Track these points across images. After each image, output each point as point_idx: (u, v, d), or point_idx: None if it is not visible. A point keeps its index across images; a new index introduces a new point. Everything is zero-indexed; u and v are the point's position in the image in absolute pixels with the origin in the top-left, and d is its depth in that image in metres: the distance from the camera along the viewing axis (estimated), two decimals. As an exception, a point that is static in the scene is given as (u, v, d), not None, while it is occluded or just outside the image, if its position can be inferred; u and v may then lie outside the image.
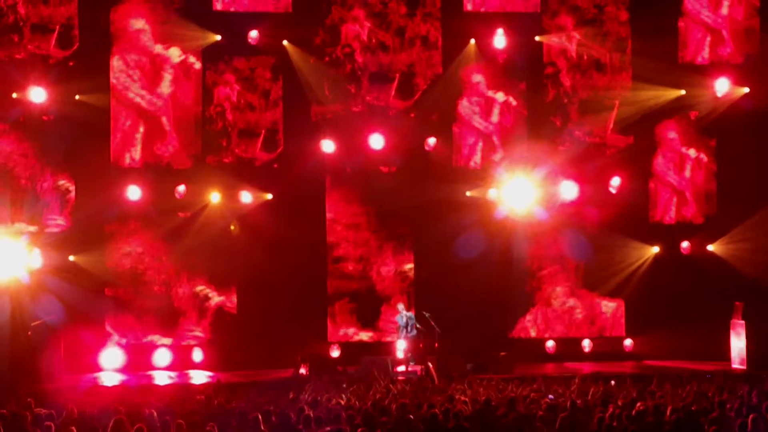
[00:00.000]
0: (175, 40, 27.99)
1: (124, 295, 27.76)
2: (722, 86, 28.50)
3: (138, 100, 27.93)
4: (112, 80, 27.74)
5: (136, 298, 27.80)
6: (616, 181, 28.43)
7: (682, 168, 29.12)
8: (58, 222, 27.45)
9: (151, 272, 27.96)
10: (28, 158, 27.43)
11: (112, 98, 27.77)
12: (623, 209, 28.42)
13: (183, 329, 28.03)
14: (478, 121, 28.77)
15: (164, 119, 28.02)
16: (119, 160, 27.84)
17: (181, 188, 27.62)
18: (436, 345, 25.45)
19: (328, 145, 28.07)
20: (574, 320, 28.96)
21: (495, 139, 28.78)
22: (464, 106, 28.75)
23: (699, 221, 29.11)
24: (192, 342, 27.96)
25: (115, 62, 27.80)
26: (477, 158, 28.82)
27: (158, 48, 28.02)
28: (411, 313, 26.39)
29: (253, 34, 27.94)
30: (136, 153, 27.91)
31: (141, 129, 27.92)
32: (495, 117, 28.79)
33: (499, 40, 28.40)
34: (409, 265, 28.69)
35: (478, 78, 28.76)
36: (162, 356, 27.75)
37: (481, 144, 28.78)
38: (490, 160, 28.69)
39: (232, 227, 28.02)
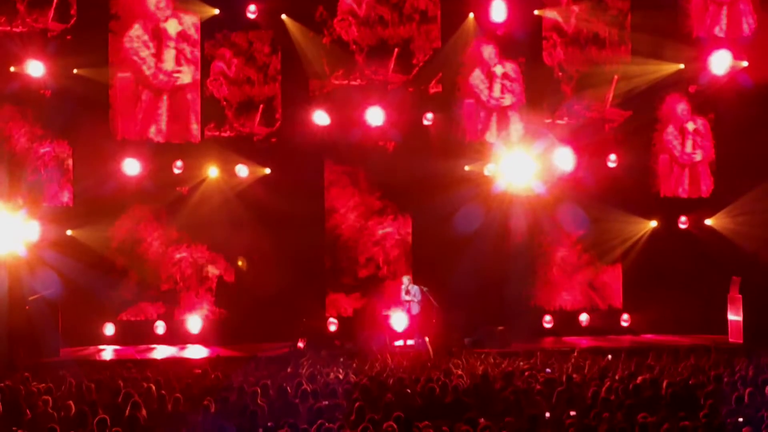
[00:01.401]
0: (173, 13, 27.92)
1: (122, 269, 27.75)
2: (721, 60, 28.43)
3: (144, 71, 27.96)
4: (111, 51, 27.73)
5: (134, 272, 27.79)
6: (614, 156, 28.43)
7: (680, 142, 29.11)
8: (56, 196, 27.43)
9: (149, 246, 27.97)
10: (27, 132, 27.40)
11: (114, 73, 27.76)
12: (621, 183, 28.41)
13: (181, 303, 28.06)
14: (483, 95, 28.73)
15: (163, 94, 28.01)
16: (118, 135, 27.80)
17: (180, 163, 27.62)
18: (434, 320, 25.48)
19: (322, 118, 27.96)
20: (572, 294, 28.98)
21: (497, 113, 28.76)
22: (473, 78, 28.69)
23: (697, 195, 29.11)
24: (190, 316, 27.98)
25: (113, 35, 27.78)
26: (491, 133, 28.76)
27: (156, 22, 27.96)
28: (416, 287, 26.14)
29: (252, 8, 27.90)
30: (138, 128, 27.94)
31: (141, 104, 27.93)
32: (496, 92, 28.75)
33: (498, 14, 28.32)
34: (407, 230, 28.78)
35: (484, 51, 28.71)
36: (160, 330, 27.79)
37: (494, 118, 28.73)
38: (489, 134, 28.66)
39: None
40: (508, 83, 28.72)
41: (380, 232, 28.76)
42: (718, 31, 28.89)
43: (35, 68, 26.95)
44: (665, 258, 28.22)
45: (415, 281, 26.25)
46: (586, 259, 28.91)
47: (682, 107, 29.01)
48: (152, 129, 27.97)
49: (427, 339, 24.96)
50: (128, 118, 27.89)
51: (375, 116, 28.05)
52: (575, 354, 22.36)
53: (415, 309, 25.75)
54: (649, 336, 27.81)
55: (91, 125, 27.29)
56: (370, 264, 28.72)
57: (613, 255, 28.73)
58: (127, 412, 14.93)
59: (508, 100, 28.73)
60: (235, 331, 27.27)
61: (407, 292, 25.89)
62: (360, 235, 28.72)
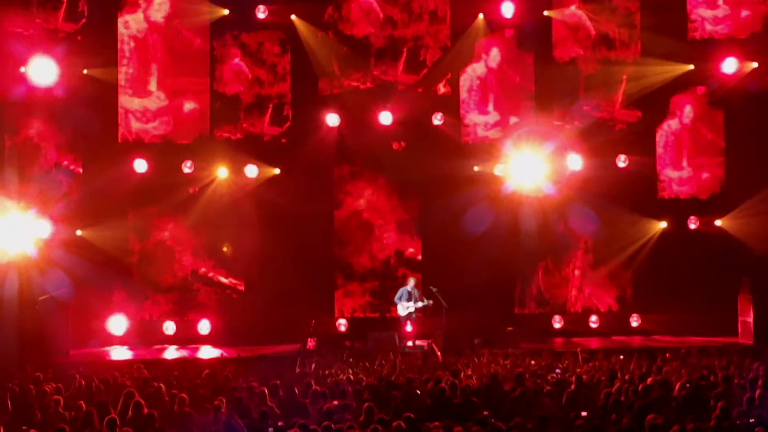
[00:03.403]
0: (183, 14, 27.98)
1: (131, 269, 27.79)
2: (731, 61, 28.39)
3: (153, 71, 28.02)
4: (120, 52, 27.80)
5: (144, 271, 27.81)
6: (623, 157, 28.40)
7: (690, 143, 29.04)
8: (66, 196, 27.46)
9: (159, 246, 28.01)
10: (37, 132, 27.44)
11: (121, 72, 27.84)
12: (631, 184, 28.36)
13: (190, 303, 28.07)
14: (488, 95, 28.72)
15: (171, 93, 28.05)
16: (128, 135, 27.86)
17: (189, 163, 27.65)
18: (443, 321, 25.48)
19: (333, 119, 28.04)
20: (582, 295, 28.94)
21: (502, 113, 28.73)
22: (473, 80, 28.68)
23: (706, 196, 29.02)
24: (200, 316, 27.99)
25: (122, 36, 27.84)
26: (486, 133, 28.72)
27: (166, 21, 28.03)
28: (417, 291, 26.06)
29: (262, 8, 27.94)
30: (147, 128, 27.95)
31: (151, 104, 27.97)
32: (503, 91, 28.75)
33: (508, 14, 28.31)
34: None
35: (489, 53, 28.68)
36: (169, 330, 27.82)
37: (491, 119, 28.71)
38: (499, 135, 28.62)
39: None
40: (514, 84, 28.73)
41: (389, 232, 28.74)
42: (728, 32, 28.77)
43: (46, 69, 26.98)
44: (675, 259, 28.13)
45: (425, 281, 26.21)
46: (596, 259, 28.85)
47: (691, 107, 28.94)
48: (162, 128, 28.00)
49: (432, 343, 24.95)
50: (138, 117, 27.91)
51: (385, 117, 28.08)
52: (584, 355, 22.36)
53: (409, 315, 25.73)
54: (658, 337, 27.73)
55: (100, 124, 27.34)
56: (378, 262, 28.71)
57: (622, 256, 28.65)
58: (131, 411, 14.93)
59: (515, 100, 28.71)
60: (244, 331, 27.25)
61: (409, 298, 25.79)
62: (368, 235, 28.71)
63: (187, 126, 28.15)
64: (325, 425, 14.10)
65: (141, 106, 27.96)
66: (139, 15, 27.92)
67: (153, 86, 28.00)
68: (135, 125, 27.93)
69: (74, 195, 27.51)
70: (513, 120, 28.60)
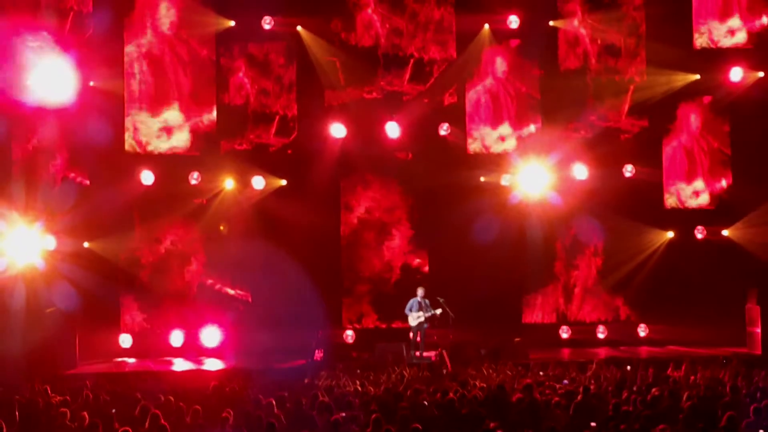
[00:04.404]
0: (189, 25, 28.00)
1: (138, 281, 27.80)
2: (737, 70, 28.38)
3: (150, 85, 28.02)
4: (127, 64, 27.83)
5: (151, 283, 27.82)
6: (630, 167, 28.38)
7: (697, 152, 29.01)
8: (72, 208, 27.45)
9: (166, 258, 28.01)
10: (44, 144, 27.45)
11: (127, 84, 27.86)
12: (637, 193, 28.32)
13: (198, 316, 28.02)
14: (494, 107, 28.73)
15: (177, 105, 28.06)
16: (135, 147, 27.87)
17: (196, 174, 27.67)
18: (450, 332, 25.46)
19: (339, 130, 28.04)
20: (589, 305, 28.91)
21: (510, 123, 28.72)
22: (479, 91, 28.69)
23: (713, 206, 28.97)
24: (207, 328, 27.96)
25: (129, 48, 27.88)
26: (492, 143, 28.73)
27: (172, 33, 28.06)
28: (427, 301, 25.98)
29: (267, 19, 27.97)
30: (154, 142, 27.96)
31: (160, 117, 27.99)
32: (509, 101, 28.74)
33: (513, 25, 28.34)
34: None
35: (495, 64, 28.71)
36: (176, 342, 27.81)
37: (497, 129, 28.71)
38: (505, 145, 28.62)
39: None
40: (520, 95, 28.73)
41: (395, 242, 28.74)
42: (734, 41, 28.76)
43: (52, 81, 27.01)
44: (682, 269, 28.07)
45: (432, 292, 26.18)
46: (603, 269, 28.81)
47: (697, 117, 28.92)
48: (169, 139, 28.01)
49: (444, 352, 24.87)
50: (143, 129, 27.93)
51: (391, 127, 28.09)
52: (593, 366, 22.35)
53: (418, 324, 25.72)
54: (666, 347, 27.68)
55: (107, 136, 27.32)
56: (385, 273, 28.70)
57: (629, 266, 28.60)
58: (147, 424, 14.93)
59: (521, 111, 28.71)
60: (251, 343, 27.20)
61: (420, 307, 25.77)
62: (375, 245, 28.71)
63: (194, 137, 28.14)
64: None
65: (150, 119, 27.94)
66: (147, 28, 27.93)
67: (161, 99, 27.98)
68: (144, 138, 27.88)
69: (81, 207, 27.47)
70: (523, 132, 28.60)
